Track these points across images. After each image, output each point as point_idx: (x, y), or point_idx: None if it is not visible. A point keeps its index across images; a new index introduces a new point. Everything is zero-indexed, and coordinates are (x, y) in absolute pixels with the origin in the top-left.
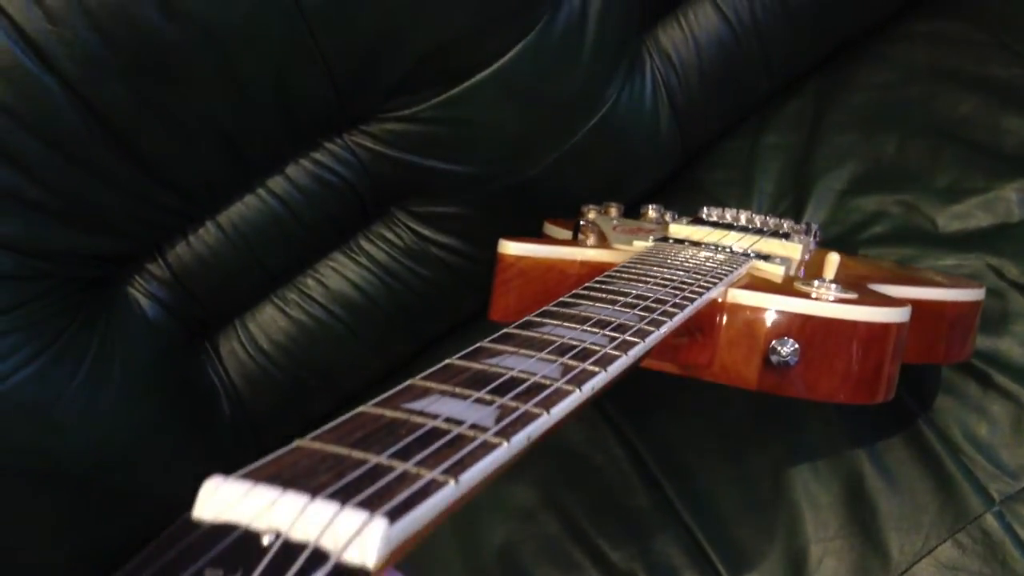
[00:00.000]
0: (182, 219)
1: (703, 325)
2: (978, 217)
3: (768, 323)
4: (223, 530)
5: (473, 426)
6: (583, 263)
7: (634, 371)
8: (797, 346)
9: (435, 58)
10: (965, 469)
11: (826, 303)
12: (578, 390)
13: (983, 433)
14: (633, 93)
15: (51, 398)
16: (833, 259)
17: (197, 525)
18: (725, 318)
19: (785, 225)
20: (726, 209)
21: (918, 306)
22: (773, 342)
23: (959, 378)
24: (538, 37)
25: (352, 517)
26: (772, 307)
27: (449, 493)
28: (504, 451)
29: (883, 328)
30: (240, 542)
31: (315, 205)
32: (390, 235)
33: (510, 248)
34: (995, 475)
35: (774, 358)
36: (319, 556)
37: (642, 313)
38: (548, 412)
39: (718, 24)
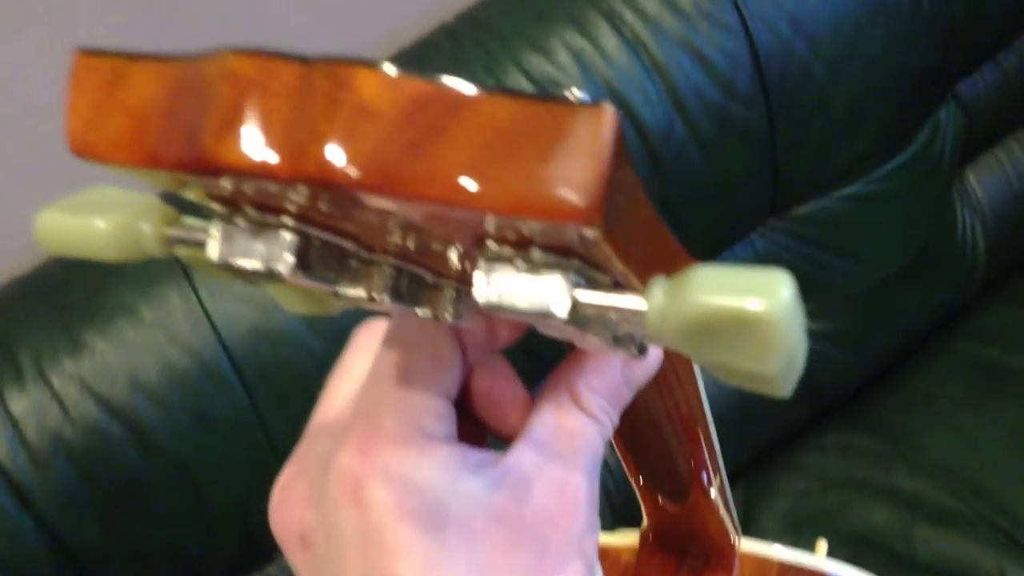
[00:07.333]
0: None
1: (715, 554)
2: None
3: (777, 572)
4: None
5: None
6: None
7: None
8: None
9: None
10: None
11: (827, 560)
12: None
13: None
14: None
15: None
16: (822, 545)
17: None
18: (736, 564)
19: None
20: None
21: None
22: None
23: None
24: None
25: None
26: (781, 557)
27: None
28: None
29: None
30: None
31: None
32: None
33: None
34: None
35: None
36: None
37: None
38: None
39: None
